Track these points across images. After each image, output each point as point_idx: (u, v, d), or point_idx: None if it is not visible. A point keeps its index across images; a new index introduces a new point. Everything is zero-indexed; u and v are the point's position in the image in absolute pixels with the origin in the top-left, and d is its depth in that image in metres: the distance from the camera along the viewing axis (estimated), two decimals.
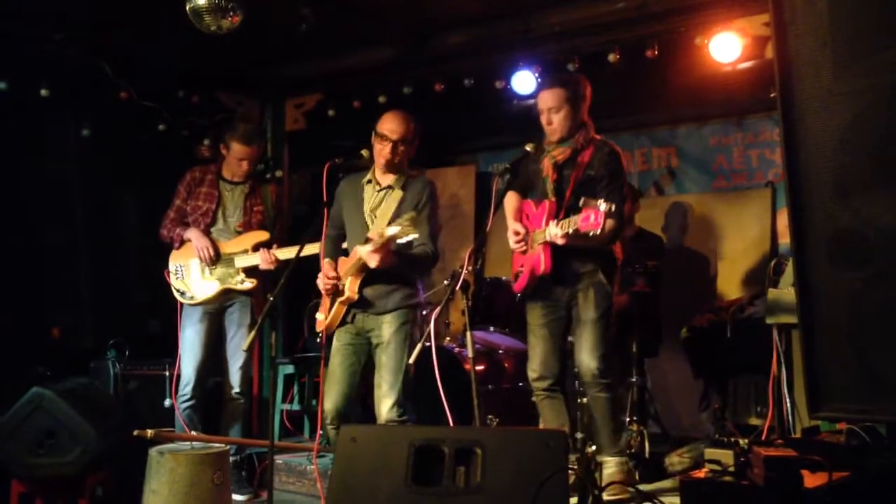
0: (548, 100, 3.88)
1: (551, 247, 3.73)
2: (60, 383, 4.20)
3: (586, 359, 3.80)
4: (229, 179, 4.67)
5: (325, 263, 3.93)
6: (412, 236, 3.52)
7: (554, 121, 3.86)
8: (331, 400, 3.81)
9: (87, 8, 4.68)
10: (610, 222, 3.59)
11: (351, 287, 3.80)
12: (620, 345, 5.05)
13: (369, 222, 3.87)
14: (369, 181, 3.96)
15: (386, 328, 3.82)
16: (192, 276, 4.52)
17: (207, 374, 4.58)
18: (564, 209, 3.80)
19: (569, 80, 4.01)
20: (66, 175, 5.79)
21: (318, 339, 4.05)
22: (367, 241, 3.71)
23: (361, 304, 3.84)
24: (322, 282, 3.90)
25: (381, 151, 3.86)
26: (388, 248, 3.63)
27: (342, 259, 3.95)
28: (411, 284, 3.90)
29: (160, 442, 3.79)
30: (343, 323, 3.91)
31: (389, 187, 3.91)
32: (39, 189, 5.63)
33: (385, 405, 3.75)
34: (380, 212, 3.87)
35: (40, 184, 5.64)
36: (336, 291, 3.86)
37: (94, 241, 5.85)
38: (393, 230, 3.51)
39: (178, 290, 4.52)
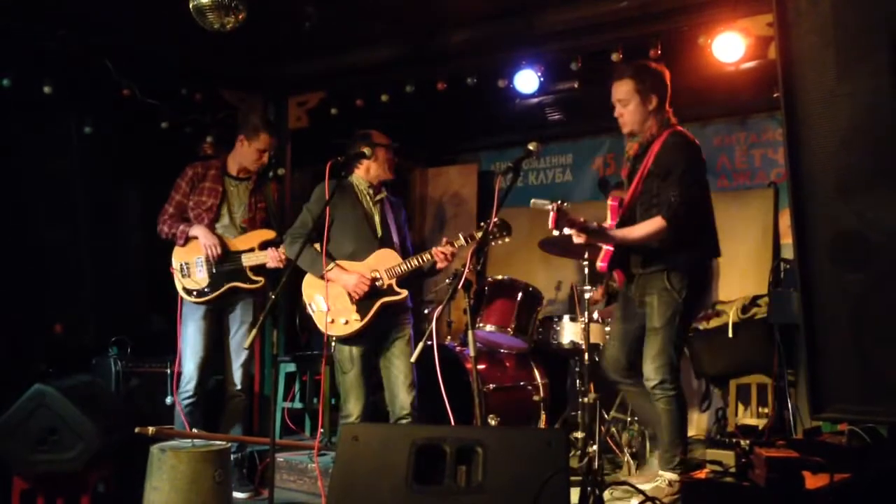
0: (616, 91, 3.76)
1: (614, 245, 3.74)
2: (62, 380, 4.20)
3: (646, 368, 3.72)
4: (234, 175, 4.64)
5: (338, 269, 4.02)
6: (502, 240, 3.78)
7: (624, 113, 3.76)
8: (359, 406, 4.01)
9: (89, 5, 4.68)
10: (656, 223, 3.57)
11: (398, 288, 4.05)
12: None
13: (379, 229, 4.11)
14: (369, 187, 4.18)
15: (405, 324, 4.13)
16: (199, 274, 4.47)
17: (209, 371, 4.57)
18: (627, 205, 3.78)
19: (639, 69, 3.80)
20: (68, 172, 5.79)
21: (332, 341, 4.14)
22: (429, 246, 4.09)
23: (394, 305, 4.07)
24: (357, 283, 3.97)
25: (392, 163, 4.18)
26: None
27: (352, 262, 4.05)
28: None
29: (161, 439, 3.79)
30: (369, 326, 4.04)
31: (384, 198, 4.21)
32: (41, 186, 5.63)
33: (411, 394, 4.00)
34: (389, 220, 4.17)
35: (42, 181, 5.64)
36: (377, 292, 4.02)
37: (96, 237, 5.85)
38: (481, 234, 3.77)
39: (184, 289, 4.47)
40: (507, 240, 3.83)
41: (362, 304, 3.98)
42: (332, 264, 4.01)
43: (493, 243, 3.87)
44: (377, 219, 4.14)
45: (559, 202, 3.47)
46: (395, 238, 4.15)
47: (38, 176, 5.62)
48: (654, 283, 3.70)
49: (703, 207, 3.73)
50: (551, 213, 3.43)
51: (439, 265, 4.00)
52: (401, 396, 3.98)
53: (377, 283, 4.02)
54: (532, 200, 3.48)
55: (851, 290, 2.19)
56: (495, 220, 3.65)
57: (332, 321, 4.04)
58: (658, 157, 3.67)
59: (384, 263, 4.04)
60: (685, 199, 3.57)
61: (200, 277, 4.46)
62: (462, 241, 3.92)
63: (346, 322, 4.02)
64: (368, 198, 4.16)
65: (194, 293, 4.45)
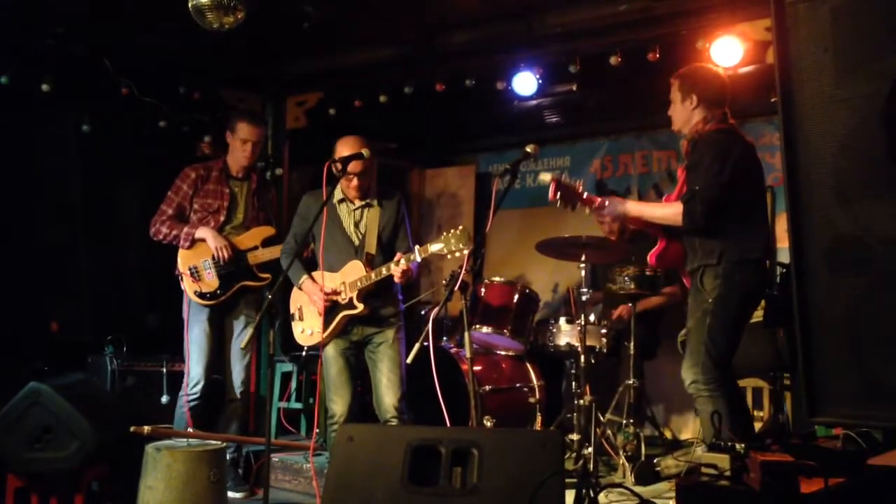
0: (669, 91, 3.77)
1: (663, 240, 3.72)
2: (58, 378, 4.20)
3: (682, 367, 3.61)
4: (235, 176, 4.63)
5: (308, 281, 4.01)
6: (461, 253, 3.55)
7: (672, 113, 3.76)
8: (342, 404, 3.96)
9: (88, 3, 4.68)
10: (675, 206, 3.54)
11: (359, 301, 3.94)
12: (618, 347, 5.07)
13: (355, 239, 4.04)
14: (341, 200, 4.08)
15: (389, 331, 4.02)
16: (209, 277, 4.46)
17: (214, 372, 4.57)
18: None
19: (685, 70, 3.79)
20: (66, 170, 5.78)
21: (303, 353, 4.08)
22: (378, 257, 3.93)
23: (365, 315, 3.97)
24: (316, 298, 3.95)
25: (359, 176, 3.96)
26: (417, 264, 3.83)
27: (327, 274, 4.00)
28: (398, 290, 4.11)
29: (157, 438, 3.79)
30: (342, 333, 4.01)
31: (367, 204, 4.07)
32: (39, 184, 5.62)
33: (394, 396, 3.92)
34: (365, 228, 4.04)
35: (40, 178, 5.63)
36: (337, 305, 3.95)
37: (93, 236, 5.84)
38: (436, 247, 3.66)
39: (197, 293, 4.44)
40: (465, 252, 3.52)
41: (326, 316, 3.96)
42: (304, 277, 4.03)
43: (448, 256, 3.62)
44: (352, 227, 4.05)
45: (560, 174, 3.53)
46: (374, 246, 4.02)
47: (35, 174, 5.61)
48: (693, 281, 3.64)
49: (740, 204, 3.54)
50: (551, 185, 3.47)
51: (396, 279, 3.85)
52: (384, 400, 3.94)
53: (336, 297, 3.95)
54: (540, 175, 3.54)
55: (848, 294, 2.19)
56: (456, 230, 3.60)
57: (303, 331, 4.15)
58: (692, 152, 3.64)
59: (349, 276, 3.97)
60: (704, 190, 3.46)
61: (210, 280, 4.45)
62: (416, 255, 3.76)
63: (312, 333, 4.08)
64: (346, 207, 4.08)
65: (207, 296, 4.45)
